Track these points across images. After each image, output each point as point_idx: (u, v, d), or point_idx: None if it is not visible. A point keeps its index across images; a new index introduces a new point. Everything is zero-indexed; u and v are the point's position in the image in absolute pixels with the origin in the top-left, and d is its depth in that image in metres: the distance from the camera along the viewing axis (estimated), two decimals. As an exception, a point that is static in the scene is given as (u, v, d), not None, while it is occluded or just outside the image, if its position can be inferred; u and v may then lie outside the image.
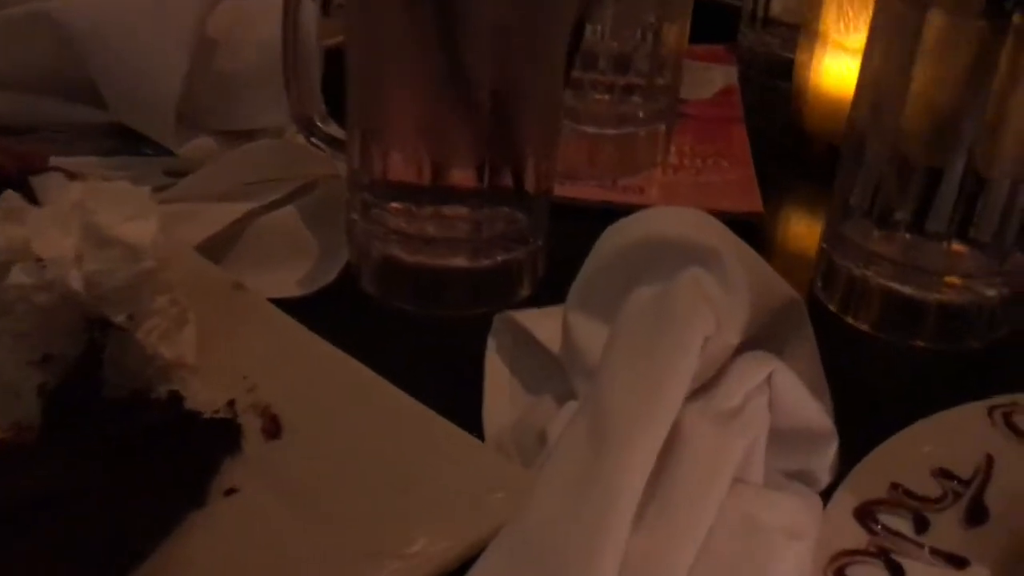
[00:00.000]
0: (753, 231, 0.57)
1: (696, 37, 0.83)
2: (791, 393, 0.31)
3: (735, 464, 0.28)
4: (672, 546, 0.26)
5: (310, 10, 0.49)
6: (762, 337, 0.35)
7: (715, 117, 0.72)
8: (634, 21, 0.61)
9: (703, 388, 0.31)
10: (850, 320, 0.48)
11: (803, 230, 0.61)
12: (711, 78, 0.78)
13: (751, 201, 0.59)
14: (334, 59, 0.51)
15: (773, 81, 0.80)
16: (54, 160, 0.53)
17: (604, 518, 0.25)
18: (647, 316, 0.33)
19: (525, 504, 0.28)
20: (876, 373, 0.46)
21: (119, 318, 0.36)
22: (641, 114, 0.62)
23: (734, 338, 0.32)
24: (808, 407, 0.32)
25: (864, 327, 0.48)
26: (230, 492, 0.34)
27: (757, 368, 0.31)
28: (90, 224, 0.35)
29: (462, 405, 0.39)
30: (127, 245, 0.35)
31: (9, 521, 0.31)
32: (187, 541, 0.32)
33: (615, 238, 0.37)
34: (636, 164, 0.62)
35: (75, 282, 0.35)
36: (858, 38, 0.62)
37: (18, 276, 0.34)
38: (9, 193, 0.36)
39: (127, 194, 0.37)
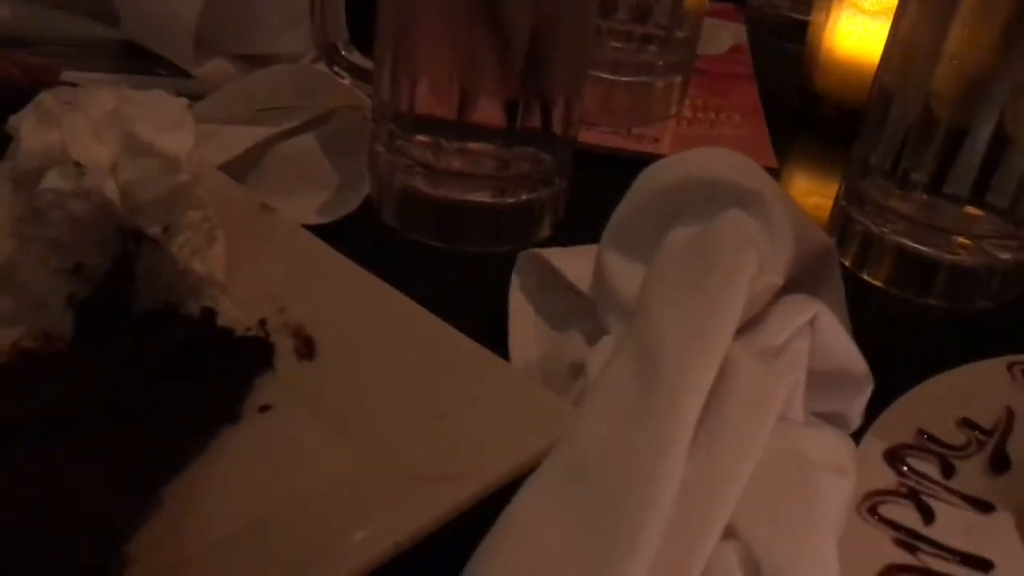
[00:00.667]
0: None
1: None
2: (833, 335, 0.32)
3: (781, 400, 0.29)
4: (721, 476, 0.27)
5: (338, -68, 0.48)
6: (799, 280, 0.35)
7: (726, 73, 0.72)
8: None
9: (747, 326, 0.31)
10: (865, 276, 0.49)
11: (814, 187, 0.61)
12: (721, 35, 0.78)
13: (764, 155, 0.59)
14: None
15: (781, 43, 0.81)
16: (65, 75, 0.52)
17: (660, 447, 0.26)
18: (690, 254, 0.33)
19: (572, 433, 0.28)
20: (888, 328, 0.47)
21: (153, 230, 0.35)
22: (659, 64, 0.62)
23: (777, 279, 0.32)
24: (849, 349, 0.32)
25: (878, 283, 0.48)
26: (264, 409, 0.34)
27: (801, 309, 0.32)
28: (127, 133, 0.34)
29: (484, 339, 0.39)
30: (165, 156, 0.35)
31: (39, 432, 0.31)
32: (221, 455, 0.32)
33: (654, 178, 0.37)
34: (651, 114, 0.62)
35: (111, 191, 0.34)
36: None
37: (54, 180, 0.33)
38: (44, 96, 0.35)
39: (164, 104, 0.36)
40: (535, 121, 0.46)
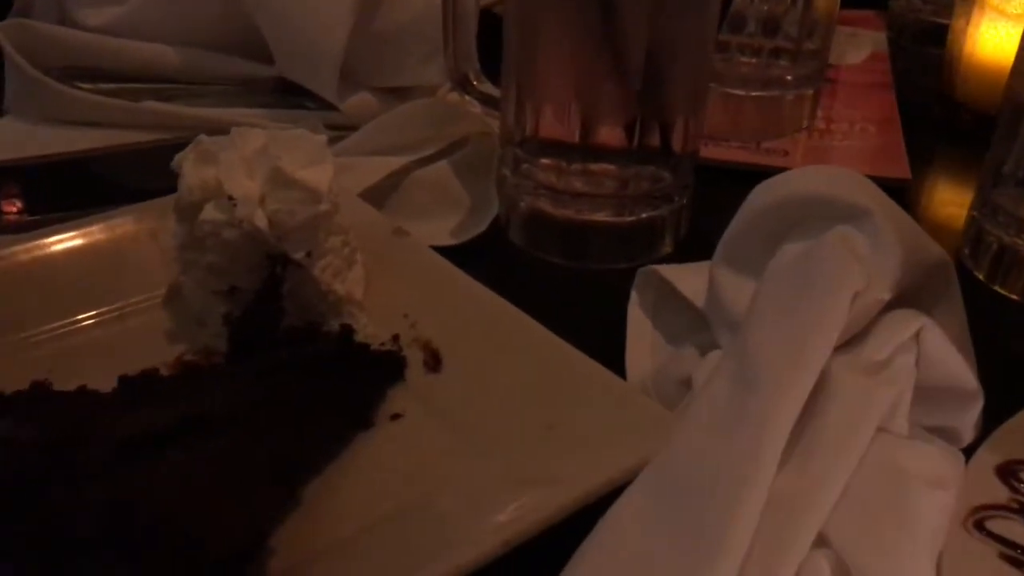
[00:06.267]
0: (900, 197, 0.56)
1: (846, 2, 0.82)
2: (939, 350, 0.32)
3: (880, 413, 0.29)
4: (815, 487, 0.27)
5: (469, -30, 0.51)
6: (911, 296, 0.35)
7: (863, 83, 0.71)
8: (784, -17, 0.61)
9: (852, 341, 0.32)
10: (998, 288, 0.48)
11: (950, 197, 0.60)
12: (860, 43, 0.77)
13: (898, 167, 0.58)
14: (489, 19, 0.54)
15: (923, 47, 0.79)
16: (223, 112, 0.57)
17: (750, 459, 0.27)
18: (796, 271, 0.34)
19: (670, 443, 0.30)
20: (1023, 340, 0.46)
21: (298, 255, 0.39)
22: (789, 77, 0.62)
23: (885, 294, 0.33)
24: (955, 365, 0.32)
25: (1012, 295, 0.47)
26: (395, 417, 0.37)
27: (906, 324, 0.32)
28: (274, 168, 0.38)
29: (604, 352, 0.40)
30: (307, 188, 0.38)
31: (198, 435, 0.35)
32: (355, 459, 0.35)
33: (764, 195, 0.38)
34: (781, 127, 0.63)
35: (260, 220, 0.38)
36: (1019, 3, 0.61)
37: (211, 212, 0.38)
38: (202, 136, 0.39)
39: (306, 141, 0.40)
40: (654, 140, 0.47)
